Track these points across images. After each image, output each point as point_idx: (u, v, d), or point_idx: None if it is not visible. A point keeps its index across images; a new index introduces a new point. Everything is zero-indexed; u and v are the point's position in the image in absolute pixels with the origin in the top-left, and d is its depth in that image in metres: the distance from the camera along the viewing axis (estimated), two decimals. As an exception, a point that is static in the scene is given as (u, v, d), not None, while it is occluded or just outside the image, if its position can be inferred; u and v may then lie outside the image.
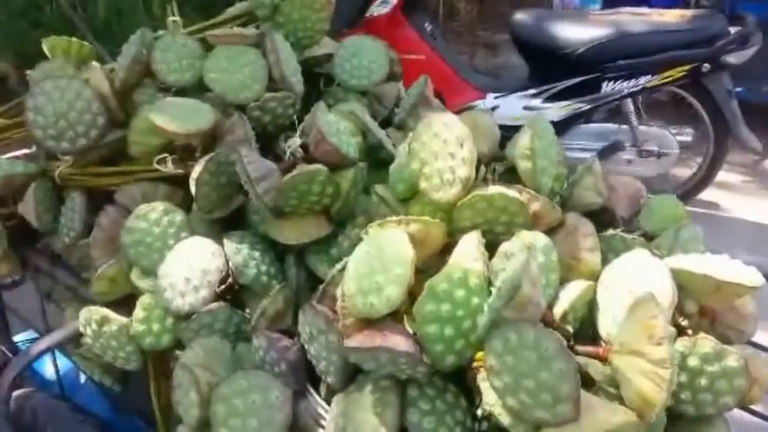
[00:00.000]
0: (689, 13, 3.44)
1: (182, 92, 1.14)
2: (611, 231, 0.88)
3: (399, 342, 0.72)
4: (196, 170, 0.98)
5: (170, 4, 1.35)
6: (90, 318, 0.98)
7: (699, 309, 0.78)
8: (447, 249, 0.81)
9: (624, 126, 3.58)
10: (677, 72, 3.26)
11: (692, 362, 0.72)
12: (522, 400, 0.64)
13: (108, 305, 1.03)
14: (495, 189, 0.80)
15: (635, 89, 3.31)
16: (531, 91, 3.48)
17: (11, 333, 1.50)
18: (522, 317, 0.66)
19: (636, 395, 0.65)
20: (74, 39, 1.34)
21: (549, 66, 3.43)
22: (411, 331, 0.74)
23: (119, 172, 1.11)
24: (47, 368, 1.53)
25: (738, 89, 3.63)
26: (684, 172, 3.91)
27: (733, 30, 3.23)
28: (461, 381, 0.80)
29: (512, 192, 0.80)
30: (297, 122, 1.12)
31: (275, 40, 1.14)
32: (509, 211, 0.81)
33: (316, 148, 0.96)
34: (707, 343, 0.72)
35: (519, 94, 3.51)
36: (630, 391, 0.65)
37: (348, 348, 0.75)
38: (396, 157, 1.06)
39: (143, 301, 0.98)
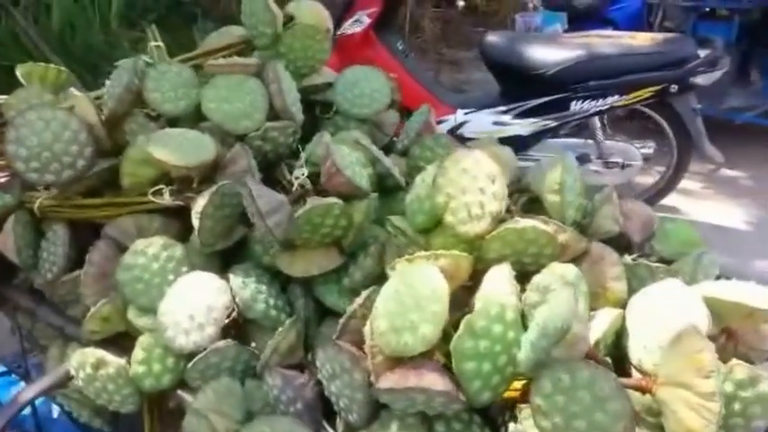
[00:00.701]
0: (659, 36, 3.55)
1: (175, 121, 1.15)
2: (633, 259, 0.91)
3: (436, 381, 0.74)
4: (200, 203, 0.98)
5: (148, 28, 1.36)
6: (84, 361, 0.97)
7: (721, 330, 0.82)
8: (472, 289, 0.84)
9: (590, 141, 3.72)
10: (646, 92, 3.37)
11: (727, 387, 0.75)
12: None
13: (97, 344, 1.02)
14: (526, 222, 0.82)
15: (603, 108, 3.41)
16: (501, 108, 3.57)
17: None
18: (570, 355, 0.68)
19: (682, 428, 0.67)
20: (51, 65, 1.33)
21: (519, 85, 3.52)
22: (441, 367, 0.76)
23: (110, 203, 1.10)
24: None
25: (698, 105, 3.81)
26: (647, 180, 4.12)
27: (702, 53, 3.35)
28: (484, 411, 0.82)
29: (542, 225, 0.83)
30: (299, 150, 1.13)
31: (277, 70, 1.15)
32: (538, 243, 0.83)
33: (329, 179, 0.98)
34: (742, 369, 0.75)
35: (489, 110, 3.60)
36: (675, 424, 0.68)
37: (381, 390, 0.76)
38: (401, 184, 1.09)
39: (142, 341, 0.97)
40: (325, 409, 0.90)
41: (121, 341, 1.04)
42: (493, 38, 3.70)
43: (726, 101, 4.83)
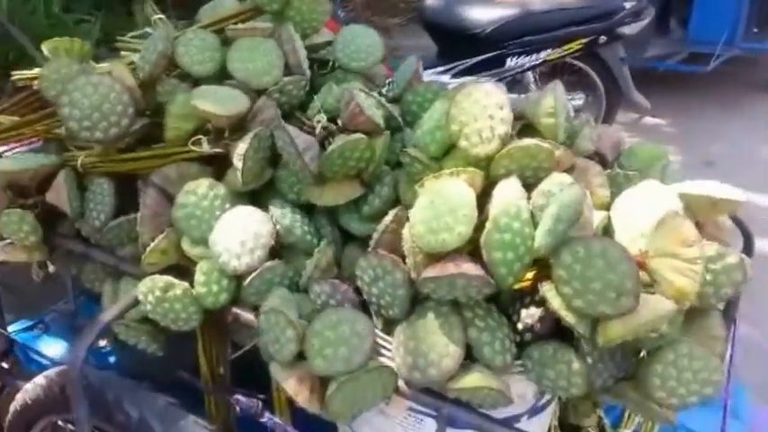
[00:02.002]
0: (588, -10, 3.73)
1: (202, 81, 1.25)
2: (611, 170, 1.07)
3: (472, 268, 0.88)
4: (241, 147, 1.10)
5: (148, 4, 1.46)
6: (153, 286, 1.08)
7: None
8: (484, 194, 0.98)
9: (524, 95, 3.87)
10: (576, 45, 3.54)
11: (711, 264, 0.91)
12: (589, 300, 0.82)
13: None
14: (529, 140, 0.97)
15: (536, 62, 3.57)
16: (440, 68, 3.68)
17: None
18: (583, 234, 0.83)
19: (672, 289, 0.83)
20: (75, 39, 1.42)
21: (457, 45, 3.64)
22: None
23: (154, 155, 1.21)
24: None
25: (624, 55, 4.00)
26: (578, 131, 4.30)
27: (628, 4, 3.53)
28: (498, 303, 0.98)
29: (542, 142, 0.97)
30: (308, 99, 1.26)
31: (291, 32, 1.27)
32: (539, 158, 0.98)
33: (351, 120, 1.11)
34: (711, 247, 0.91)
35: (428, 71, 3.72)
36: (667, 286, 0.84)
37: (425, 279, 0.90)
38: (400, 126, 1.22)
39: (201, 266, 1.10)
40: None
41: (168, 274, 1.15)
42: (431, 1, 3.82)
43: (648, 50, 4.98)
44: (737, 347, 1.18)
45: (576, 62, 3.89)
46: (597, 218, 0.96)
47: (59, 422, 1.38)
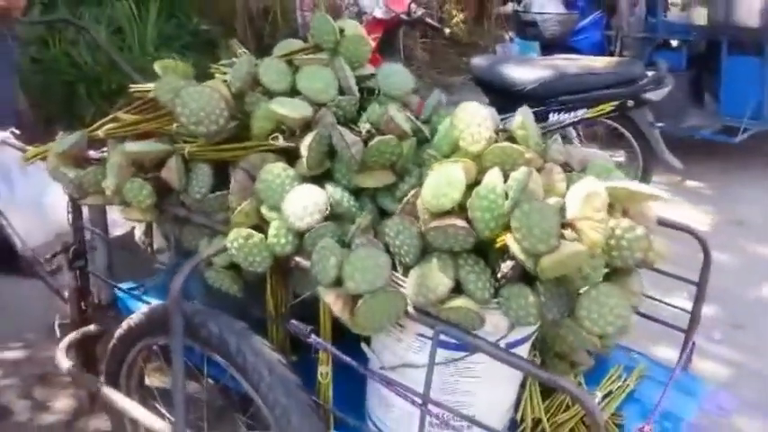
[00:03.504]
0: (614, 59, 4.23)
1: (278, 95, 1.73)
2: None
3: (459, 222, 1.33)
4: (307, 140, 1.57)
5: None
6: (238, 235, 1.55)
7: (622, 211, 1.42)
8: (477, 182, 1.43)
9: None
10: (608, 107, 4.01)
11: (618, 232, 1.34)
12: (531, 241, 1.26)
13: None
14: (505, 143, 1.43)
15: (575, 119, 4.04)
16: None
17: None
18: (528, 198, 1.28)
19: (588, 240, 1.27)
20: (179, 62, 1.92)
21: (503, 99, 4.13)
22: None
23: (243, 147, 1.68)
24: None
25: (660, 124, 4.45)
26: (620, 185, 4.73)
27: (649, 73, 4.01)
28: (487, 260, 1.42)
29: (515, 145, 1.43)
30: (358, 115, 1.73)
31: (342, 63, 1.75)
32: (513, 156, 1.43)
33: (386, 126, 1.58)
34: (626, 222, 1.35)
35: None
36: (585, 239, 1.28)
37: (429, 229, 1.35)
38: (428, 137, 1.69)
39: (273, 224, 1.55)
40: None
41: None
42: (479, 60, 4.34)
43: (685, 120, 5.47)
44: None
45: (613, 123, 4.36)
46: (557, 200, 1.40)
47: (154, 346, 1.85)
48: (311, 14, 5.90)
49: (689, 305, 1.88)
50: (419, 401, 1.43)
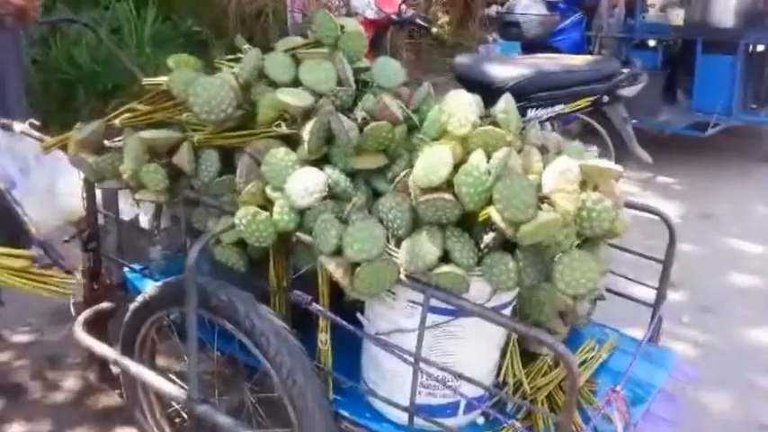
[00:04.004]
0: (591, 57, 4.39)
1: (282, 86, 1.87)
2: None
3: (447, 195, 1.48)
4: (308, 126, 1.71)
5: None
6: (246, 212, 1.69)
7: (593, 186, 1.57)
8: (463, 162, 1.58)
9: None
10: (583, 102, 4.15)
11: (588, 204, 1.50)
12: (512, 212, 1.41)
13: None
14: (488, 126, 1.57)
15: (551, 115, 4.18)
16: None
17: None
18: (509, 174, 1.43)
19: (561, 209, 1.42)
20: (191, 57, 2.06)
21: (485, 96, 4.26)
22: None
23: (249, 133, 1.82)
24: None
25: (635, 120, 4.63)
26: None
27: (624, 70, 4.17)
28: (471, 233, 1.56)
29: (497, 128, 1.58)
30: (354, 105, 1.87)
31: (341, 57, 1.89)
32: (495, 138, 1.58)
33: (380, 113, 1.72)
34: (596, 194, 1.50)
35: None
36: (558, 208, 1.43)
37: (420, 202, 1.50)
38: (417, 125, 1.83)
39: (278, 203, 1.69)
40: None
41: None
42: (462, 59, 4.49)
43: (658, 116, 5.67)
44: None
45: (587, 119, 4.51)
46: (534, 178, 1.55)
47: (165, 320, 1.99)
48: (301, 16, 6.05)
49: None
50: (411, 360, 1.58)
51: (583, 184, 1.54)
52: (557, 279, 1.48)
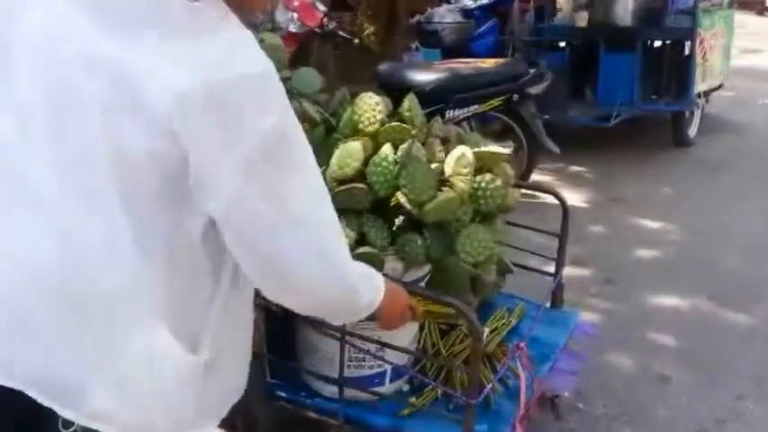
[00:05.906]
0: (501, 60, 4.63)
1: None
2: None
3: (359, 185, 1.66)
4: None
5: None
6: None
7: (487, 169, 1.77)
8: (374, 155, 1.75)
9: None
10: (496, 101, 4.37)
11: (483, 183, 1.69)
12: (416, 193, 1.59)
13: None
14: (395, 123, 1.76)
15: (468, 114, 4.38)
16: None
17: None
18: (416, 160, 1.61)
19: (458, 189, 1.61)
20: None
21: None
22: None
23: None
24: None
25: (547, 116, 4.88)
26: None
27: (531, 71, 4.41)
28: (384, 218, 1.74)
29: (403, 124, 1.76)
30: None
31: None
32: (402, 133, 1.76)
33: (300, 117, 1.88)
34: (488, 176, 1.70)
35: None
36: (456, 188, 1.62)
37: (337, 192, 1.67)
38: (335, 126, 2.00)
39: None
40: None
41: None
42: (384, 67, 4.67)
43: (567, 111, 5.96)
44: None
45: (501, 116, 4.73)
46: (434, 165, 1.74)
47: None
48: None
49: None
50: (338, 335, 1.74)
51: (479, 170, 1.73)
52: (459, 250, 1.67)
